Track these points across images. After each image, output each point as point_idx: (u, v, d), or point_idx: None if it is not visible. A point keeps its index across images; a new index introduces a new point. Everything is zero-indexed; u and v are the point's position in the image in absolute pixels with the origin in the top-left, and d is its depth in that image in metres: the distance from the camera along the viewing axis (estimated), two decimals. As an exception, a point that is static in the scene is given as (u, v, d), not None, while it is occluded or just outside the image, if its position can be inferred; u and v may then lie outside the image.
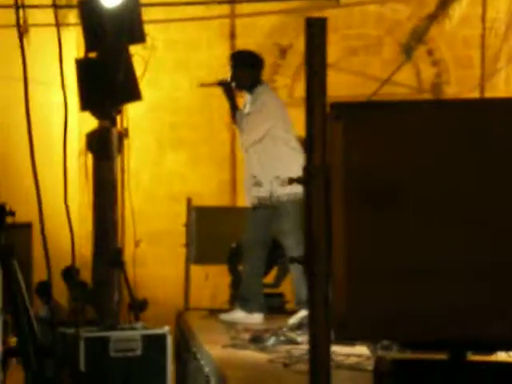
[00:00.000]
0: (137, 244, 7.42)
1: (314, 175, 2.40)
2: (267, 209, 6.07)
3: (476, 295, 2.48)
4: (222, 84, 6.24)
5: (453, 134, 2.53)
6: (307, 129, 2.43)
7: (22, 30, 9.01)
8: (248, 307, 6.11)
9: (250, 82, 6.16)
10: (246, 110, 6.21)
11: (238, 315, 6.09)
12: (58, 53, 2.85)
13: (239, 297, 6.32)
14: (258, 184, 6.05)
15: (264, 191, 6.02)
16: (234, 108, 6.24)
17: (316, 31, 2.37)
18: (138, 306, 6.51)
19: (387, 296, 2.46)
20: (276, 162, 6.00)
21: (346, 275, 2.44)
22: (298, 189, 5.77)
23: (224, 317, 6.19)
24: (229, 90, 6.22)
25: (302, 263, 2.45)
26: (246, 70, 6.17)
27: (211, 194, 10.49)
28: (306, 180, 2.41)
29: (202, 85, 6.57)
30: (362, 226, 2.47)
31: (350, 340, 2.72)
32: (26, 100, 2.62)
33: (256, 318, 6.05)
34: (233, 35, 10.70)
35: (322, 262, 2.42)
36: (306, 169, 2.42)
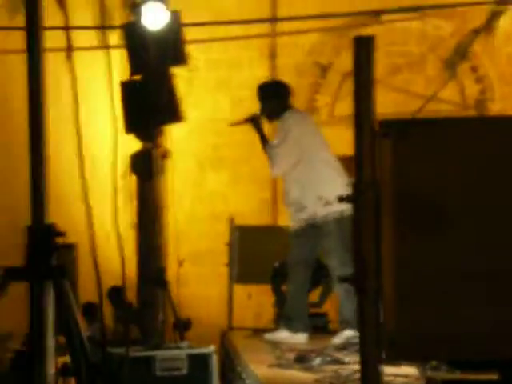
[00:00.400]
0: (180, 264, 7.45)
1: (364, 192, 2.40)
2: (313, 229, 6.05)
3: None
4: (250, 120, 6.30)
5: (500, 150, 2.52)
6: (356, 146, 2.43)
7: (68, 53, 9.12)
8: (292, 327, 6.09)
9: (279, 112, 6.19)
10: (274, 141, 6.24)
11: (283, 335, 6.07)
12: (98, 75, 2.88)
13: (283, 316, 6.31)
14: (301, 208, 6.04)
15: (308, 213, 6.01)
16: (264, 142, 6.29)
17: (363, 49, 2.37)
18: (183, 326, 6.52)
19: (437, 315, 2.43)
20: (317, 183, 5.99)
21: (395, 294, 2.42)
22: (341, 207, 5.75)
23: (268, 336, 6.17)
24: (257, 124, 6.28)
25: (351, 282, 2.44)
26: (273, 101, 6.22)
27: (252, 213, 10.49)
28: (355, 197, 2.40)
29: (232, 124, 6.62)
30: (412, 244, 2.45)
31: (400, 359, 2.70)
32: (77, 123, 2.65)
33: (300, 338, 6.03)
34: (273, 55, 10.73)
35: (372, 281, 2.40)
36: (355, 186, 2.41)
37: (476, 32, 9.41)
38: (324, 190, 5.96)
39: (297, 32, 10.06)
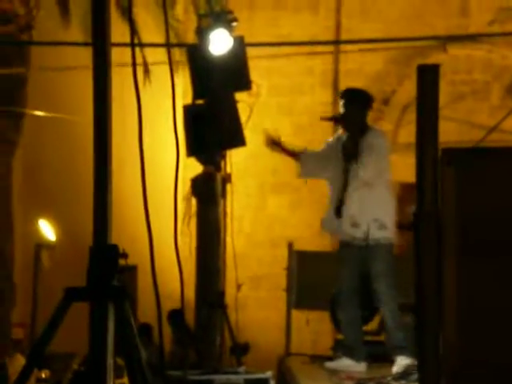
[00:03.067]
0: (238, 288, 7.45)
1: (425, 220, 2.37)
2: (361, 251, 5.99)
3: None
4: (336, 119, 6.30)
5: None
6: (418, 173, 2.41)
7: (144, 73, 9.14)
8: (354, 355, 6.03)
9: (360, 121, 6.14)
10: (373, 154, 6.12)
11: (346, 363, 6.00)
12: (168, 97, 2.89)
13: (342, 344, 6.25)
14: (354, 225, 5.99)
15: (360, 232, 5.96)
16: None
17: (428, 77, 2.36)
18: (240, 350, 6.51)
19: (501, 346, 2.39)
20: (377, 205, 5.95)
21: (457, 324, 2.39)
22: (393, 233, 5.75)
23: (329, 364, 6.11)
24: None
25: (412, 311, 2.41)
26: (360, 109, 6.15)
27: (312, 238, 10.45)
28: (416, 225, 2.38)
29: (322, 118, 6.64)
30: (475, 273, 2.41)
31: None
32: (140, 143, 2.66)
33: (360, 366, 5.96)
34: (336, 81, 10.73)
35: (433, 311, 2.37)
36: (417, 214, 2.39)
37: None
38: (382, 213, 5.93)
39: (360, 50, 9.97)
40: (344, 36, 10.62)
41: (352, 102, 6.15)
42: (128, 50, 2.74)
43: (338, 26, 10.70)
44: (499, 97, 10.21)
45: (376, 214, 5.94)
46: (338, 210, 6.12)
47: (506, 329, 2.39)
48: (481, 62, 10.41)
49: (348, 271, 6.06)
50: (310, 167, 6.42)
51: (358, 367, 5.92)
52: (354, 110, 6.13)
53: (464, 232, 2.43)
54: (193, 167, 7.54)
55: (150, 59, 8.95)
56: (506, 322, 2.40)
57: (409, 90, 9.81)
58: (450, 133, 9.30)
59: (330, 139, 6.50)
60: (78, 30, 8.88)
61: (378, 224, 5.89)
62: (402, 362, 5.68)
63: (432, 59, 9.63)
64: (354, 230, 5.99)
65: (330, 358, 6.41)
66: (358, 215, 6.00)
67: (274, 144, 6.30)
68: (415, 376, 5.04)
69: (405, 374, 5.36)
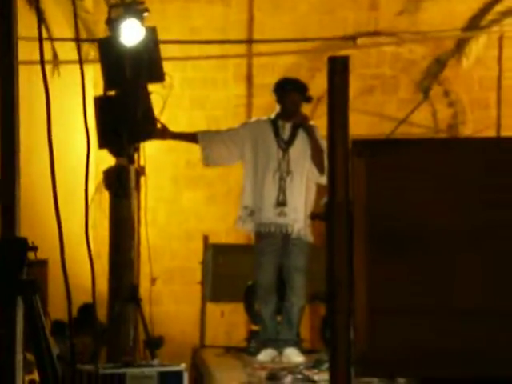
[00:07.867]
0: (153, 281, 7.42)
1: (337, 211, 2.41)
2: (283, 242, 5.98)
3: (499, 333, 2.46)
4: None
5: (470, 170, 2.55)
6: (329, 166, 2.44)
7: (53, 65, 8.95)
8: (273, 346, 6.06)
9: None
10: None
11: (271, 354, 6.03)
12: (78, 89, 2.85)
13: (264, 337, 6.22)
14: (289, 216, 5.89)
15: (292, 225, 5.87)
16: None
17: (338, 69, 2.39)
18: (154, 344, 6.48)
19: (409, 333, 2.44)
20: (310, 201, 5.91)
21: (367, 312, 2.43)
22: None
23: (260, 358, 6.06)
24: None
25: (324, 301, 2.44)
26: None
27: (228, 232, 10.47)
28: (328, 216, 2.41)
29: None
30: (384, 263, 2.46)
31: (370, 376, 2.71)
32: (49, 137, 2.62)
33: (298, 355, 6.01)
34: (249, 75, 10.77)
35: (344, 300, 2.41)
36: (329, 205, 2.43)
37: (448, 55, 9.57)
38: (310, 209, 5.95)
39: (273, 53, 10.11)
40: (256, 29, 10.68)
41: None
42: (35, 43, 2.69)
43: (250, 20, 10.75)
44: (407, 90, 10.43)
45: (309, 209, 5.87)
46: (279, 199, 5.98)
47: (415, 317, 2.45)
48: (389, 56, 10.62)
49: (269, 263, 6.06)
50: (216, 154, 6.33)
51: (297, 356, 5.96)
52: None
53: (374, 222, 2.48)
54: (105, 159, 7.45)
55: (59, 50, 8.80)
56: (415, 309, 2.46)
57: (320, 83, 9.89)
58: (360, 125, 9.45)
59: (247, 122, 6.51)
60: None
61: (308, 220, 5.84)
62: (297, 356, 5.80)
63: (342, 53, 9.75)
64: (283, 219, 5.89)
65: (244, 349, 6.45)
66: (300, 206, 5.87)
67: (161, 132, 6.27)
68: (326, 365, 5.11)
69: (316, 363, 5.43)
